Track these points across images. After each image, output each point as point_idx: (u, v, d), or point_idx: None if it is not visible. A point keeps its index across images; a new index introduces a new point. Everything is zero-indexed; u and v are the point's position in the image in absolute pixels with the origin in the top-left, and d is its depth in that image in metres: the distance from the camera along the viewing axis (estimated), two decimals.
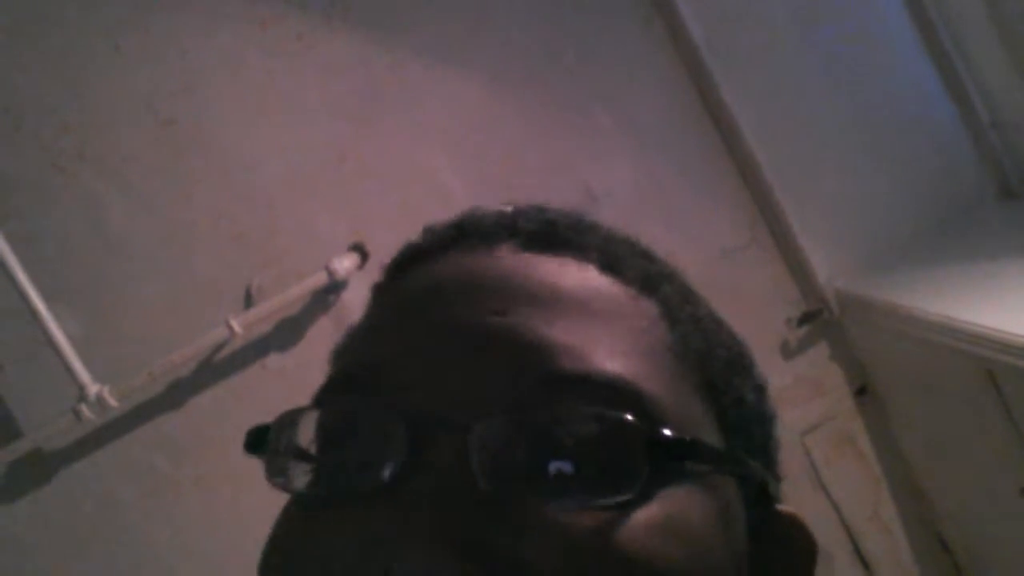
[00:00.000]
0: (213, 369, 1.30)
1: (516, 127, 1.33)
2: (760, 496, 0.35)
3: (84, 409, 1.20)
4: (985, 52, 1.31)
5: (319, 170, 1.31)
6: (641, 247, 0.39)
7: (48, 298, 1.23)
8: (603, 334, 0.32)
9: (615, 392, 0.30)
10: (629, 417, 0.29)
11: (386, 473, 0.28)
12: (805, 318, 1.36)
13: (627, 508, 0.28)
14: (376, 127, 1.31)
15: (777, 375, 1.37)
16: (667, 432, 0.30)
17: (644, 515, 0.28)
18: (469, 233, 0.38)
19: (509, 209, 0.39)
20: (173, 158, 1.29)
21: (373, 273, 1.44)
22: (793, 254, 1.36)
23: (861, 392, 1.39)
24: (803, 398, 1.38)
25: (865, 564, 1.38)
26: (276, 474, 0.33)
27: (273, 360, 1.31)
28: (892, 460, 1.39)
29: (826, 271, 1.34)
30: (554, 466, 0.28)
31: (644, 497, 0.29)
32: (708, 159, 1.36)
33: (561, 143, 1.34)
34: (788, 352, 1.38)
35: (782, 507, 0.36)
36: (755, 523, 0.34)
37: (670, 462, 0.30)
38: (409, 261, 0.39)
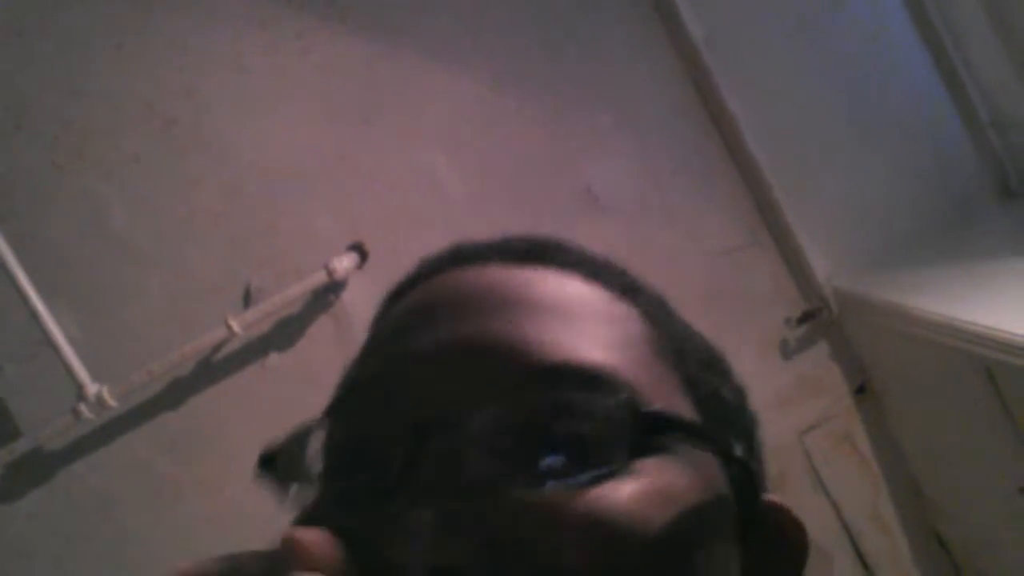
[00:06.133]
0: (212, 369, 1.30)
1: (516, 127, 1.33)
2: (747, 486, 0.36)
3: (83, 409, 1.20)
4: (985, 52, 1.31)
5: (318, 170, 1.31)
6: (620, 265, 0.42)
7: (47, 298, 1.22)
8: (580, 329, 0.34)
9: (590, 376, 0.32)
10: (603, 395, 0.31)
11: (390, 477, 0.30)
12: (804, 317, 1.36)
13: (611, 481, 0.30)
14: (375, 127, 1.31)
15: (776, 374, 1.37)
16: (643, 407, 0.32)
17: (628, 486, 0.30)
18: (462, 257, 0.40)
19: (498, 237, 0.42)
20: (173, 158, 1.29)
21: (372, 272, 1.44)
22: (792, 253, 1.36)
23: (860, 391, 1.39)
24: (802, 397, 1.38)
25: (864, 563, 1.38)
26: (286, 494, 0.34)
27: (273, 359, 1.31)
28: (891, 459, 1.39)
29: (825, 270, 1.34)
30: (540, 450, 0.30)
31: (627, 470, 0.30)
32: (707, 159, 1.36)
33: (561, 143, 1.34)
34: (787, 351, 1.38)
35: (771, 497, 0.37)
36: (745, 513, 0.35)
37: (649, 435, 0.31)
38: (406, 288, 0.41)
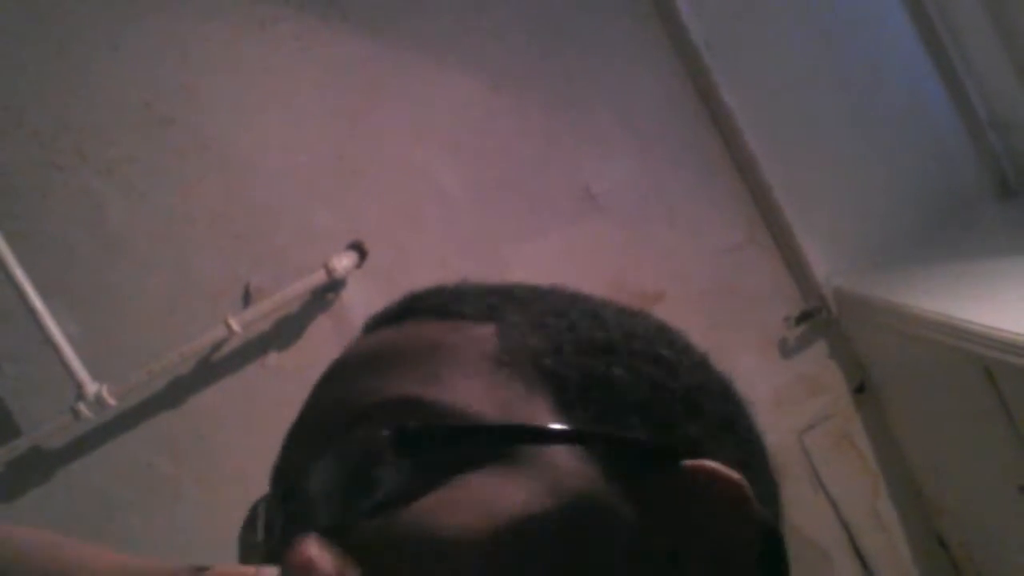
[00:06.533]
0: (212, 368, 1.30)
1: (515, 126, 1.33)
2: (643, 462, 0.35)
3: (83, 408, 1.20)
4: (985, 52, 1.31)
5: (318, 169, 1.31)
6: (504, 289, 0.44)
7: (46, 297, 1.22)
8: (406, 367, 0.38)
9: (389, 409, 0.35)
10: (397, 424, 0.34)
11: (276, 540, 0.35)
12: (803, 316, 1.36)
13: (410, 500, 0.33)
14: (374, 126, 1.31)
15: (775, 373, 1.37)
16: (432, 424, 0.34)
17: (427, 501, 0.33)
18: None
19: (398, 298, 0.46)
20: (172, 157, 1.29)
21: (372, 271, 1.44)
22: (792, 252, 1.36)
23: (859, 390, 1.39)
24: (801, 396, 1.38)
25: (863, 562, 1.38)
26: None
27: (272, 359, 1.31)
28: (890, 458, 1.39)
29: (824, 269, 1.34)
30: (365, 486, 0.34)
31: (427, 485, 0.33)
32: (707, 158, 1.36)
33: (560, 142, 1.34)
34: (786, 350, 1.38)
35: (693, 462, 0.35)
36: (654, 486, 0.35)
37: (446, 450, 0.34)
38: None
